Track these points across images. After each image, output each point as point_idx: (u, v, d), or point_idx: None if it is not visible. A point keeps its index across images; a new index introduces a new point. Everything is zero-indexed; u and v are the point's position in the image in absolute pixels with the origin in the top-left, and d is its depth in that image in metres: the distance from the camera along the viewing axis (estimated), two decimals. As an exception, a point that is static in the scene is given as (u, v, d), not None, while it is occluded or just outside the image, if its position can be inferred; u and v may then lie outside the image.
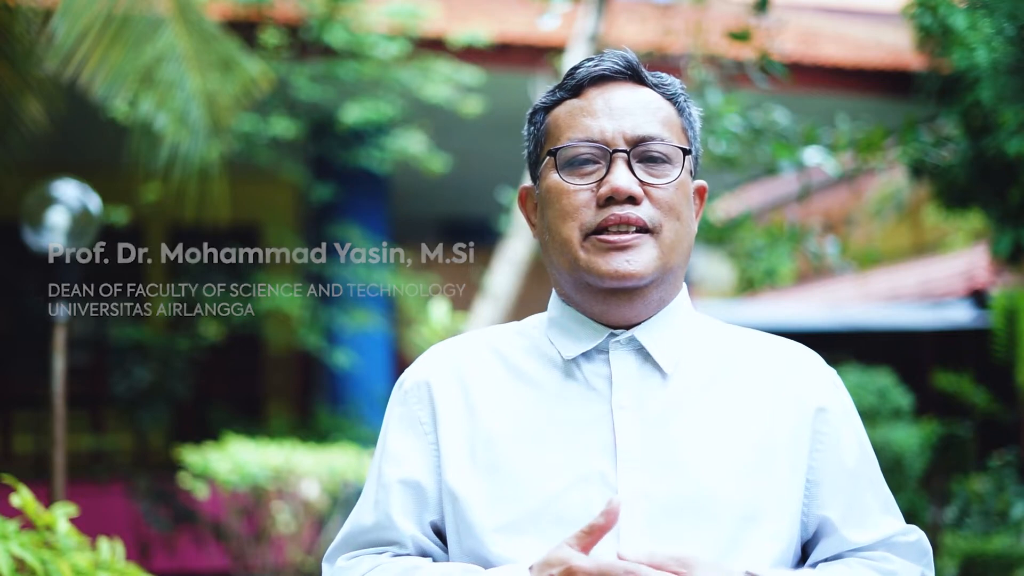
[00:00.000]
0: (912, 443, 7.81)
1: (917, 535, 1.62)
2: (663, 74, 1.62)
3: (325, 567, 1.64)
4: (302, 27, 7.87)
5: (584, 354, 1.58)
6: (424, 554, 1.59)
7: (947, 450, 8.80)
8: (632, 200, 1.53)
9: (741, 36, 5.38)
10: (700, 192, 1.66)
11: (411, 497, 1.58)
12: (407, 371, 1.68)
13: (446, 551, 1.58)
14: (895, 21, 9.01)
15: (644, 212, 1.53)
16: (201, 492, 7.25)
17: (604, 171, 1.54)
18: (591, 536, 1.40)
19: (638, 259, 1.52)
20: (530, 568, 1.44)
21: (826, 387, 1.62)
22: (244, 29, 7.32)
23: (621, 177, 1.52)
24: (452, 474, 1.56)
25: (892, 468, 7.50)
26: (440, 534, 1.59)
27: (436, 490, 1.57)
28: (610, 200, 1.53)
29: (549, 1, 6.10)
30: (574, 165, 1.56)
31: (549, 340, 1.62)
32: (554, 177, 1.57)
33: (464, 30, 8.00)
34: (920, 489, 8.18)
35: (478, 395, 1.59)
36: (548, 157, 1.58)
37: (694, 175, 1.64)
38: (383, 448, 1.64)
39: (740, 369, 1.60)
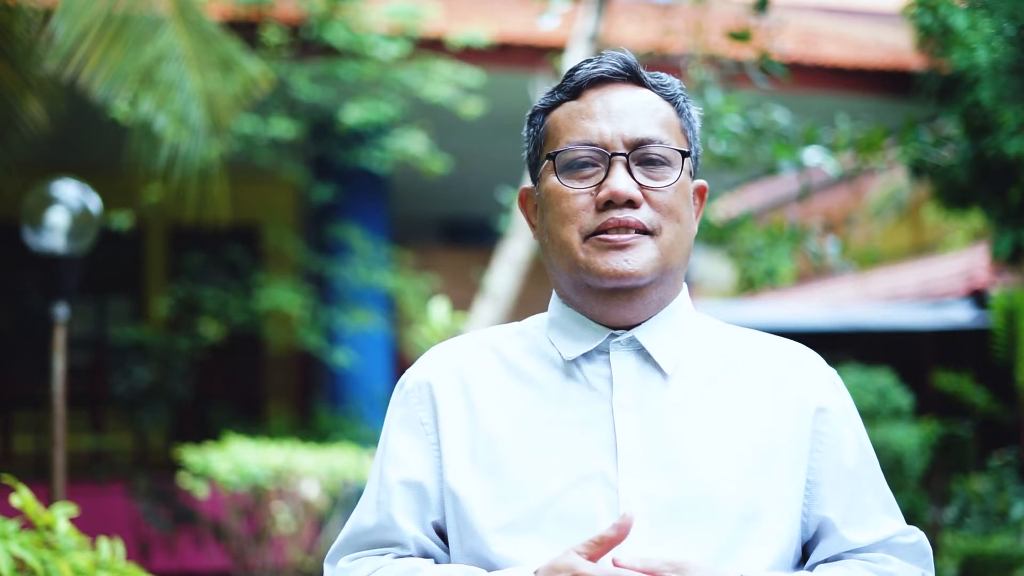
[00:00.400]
0: (912, 443, 7.81)
1: (917, 536, 1.61)
2: (662, 74, 1.62)
3: (327, 568, 1.64)
4: (302, 27, 7.87)
5: (585, 355, 1.58)
6: (426, 555, 1.59)
7: (947, 450, 8.80)
8: (631, 203, 1.53)
9: (741, 36, 5.38)
10: (700, 192, 1.66)
11: (413, 498, 1.58)
12: (408, 372, 1.68)
13: (448, 552, 1.59)
14: (895, 21, 9.01)
15: (643, 215, 1.53)
16: (201, 492, 7.25)
17: (603, 174, 1.54)
18: (600, 547, 1.40)
19: (637, 258, 1.52)
20: (535, 572, 1.44)
21: (826, 387, 1.62)
22: (244, 29, 7.33)
23: (620, 181, 1.52)
24: (453, 474, 1.56)
25: (892, 468, 7.50)
26: (442, 534, 1.59)
27: (438, 491, 1.57)
28: (609, 204, 1.53)
29: (549, 1, 6.10)
30: (573, 168, 1.56)
31: (550, 341, 1.62)
32: (553, 180, 1.57)
33: (464, 30, 8.01)
34: (920, 489, 8.18)
35: (479, 395, 1.59)
36: (547, 160, 1.58)
37: (694, 175, 1.64)
38: (384, 449, 1.64)
39: (740, 369, 1.60)
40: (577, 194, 1.54)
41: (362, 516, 1.62)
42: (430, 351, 1.69)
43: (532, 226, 1.67)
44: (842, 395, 1.63)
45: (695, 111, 1.64)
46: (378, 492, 1.61)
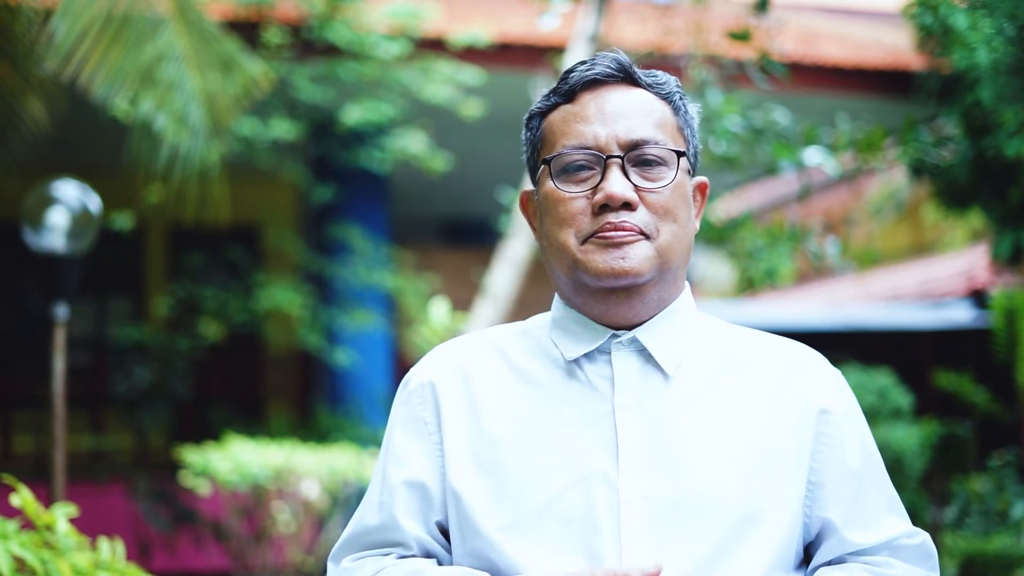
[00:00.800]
0: (912, 443, 7.81)
1: (922, 537, 1.61)
2: (658, 73, 1.62)
3: (330, 566, 1.65)
4: (303, 27, 7.88)
5: (586, 355, 1.58)
6: (429, 555, 1.59)
7: (947, 450, 8.80)
8: (627, 206, 1.53)
9: (741, 36, 5.38)
10: (701, 189, 1.66)
11: (416, 498, 1.58)
12: (411, 371, 1.68)
13: (451, 551, 1.59)
14: (895, 21, 9.02)
15: (639, 218, 1.53)
16: (202, 489, 7.24)
17: (599, 177, 1.54)
18: None
19: (634, 256, 1.52)
20: None
21: (829, 388, 1.62)
22: (244, 29, 7.33)
23: (615, 184, 1.52)
24: (455, 474, 1.56)
25: (892, 468, 7.50)
26: (446, 534, 1.59)
27: (441, 491, 1.58)
28: (605, 207, 1.53)
29: (549, 1, 6.10)
30: (569, 172, 1.56)
31: (552, 341, 1.62)
32: (550, 185, 1.57)
33: (464, 30, 8.01)
34: (920, 489, 8.18)
35: (482, 395, 1.60)
36: (543, 165, 1.59)
37: (693, 172, 1.63)
38: (388, 449, 1.64)
39: (743, 369, 1.60)
40: (573, 198, 1.54)
41: (365, 516, 1.62)
42: (434, 351, 1.69)
43: (534, 228, 1.67)
44: (846, 396, 1.63)
45: (693, 108, 1.64)
46: (381, 492, 1.61)
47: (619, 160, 1.54)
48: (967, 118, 6.52)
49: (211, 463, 7.07)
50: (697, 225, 1.64)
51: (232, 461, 7.03)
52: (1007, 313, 8.52)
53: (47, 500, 3.94)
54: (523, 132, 1.66)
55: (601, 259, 1.52)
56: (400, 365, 9.43)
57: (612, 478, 1.51)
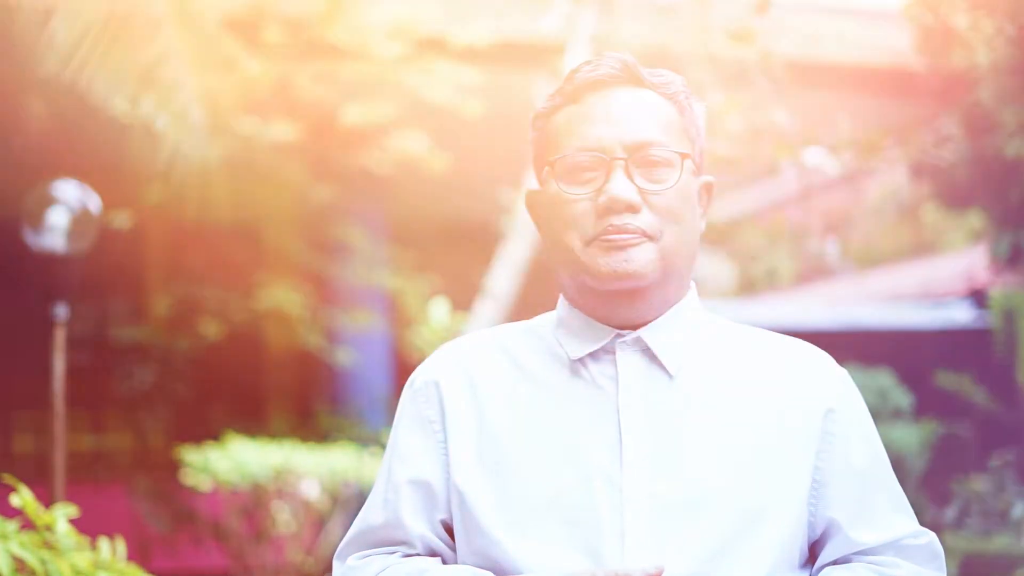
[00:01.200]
0: (912, 443, 7.81)
1: (928, 537, 1.62)
2: (663, 72, 1.61)
3: (336, 564, 1.66)
4: (303, 27, 7.87)
5: (591, 354, 1.58)
6: (433, 553, 1.60)
7: (947, 450, 8.80)
8: (631, 208, 1.52)
9: (742, 36, 5.38)
10: (707, 188, 1.65)
11: (421, 497, 1.59)
12: (417, 370, 1.69)
13: (456, 550, 1.59)
14: (895, 21, 9.01)
15: (643, 221, 1.53)
16: (204, 486, 7.23)
17: (603, 179, 1.54)
18: None
19: (637, 257, 1.52)
20: None
21: (835, 387, 1.62)
22: (244, 29, 7.32)
23: (619, 186, 1.52)
24: (459, 473, 1.57)
25: (892, 468, 7.49)
26: (451, 532, 1.60)
27: (445, 489, 1.58)
28: (609, 209, 1.52)
29: (550, 1, 6.10)
30: (573, 173, 1.56)
31: (557, 340, 1.62)
32: (554, 186, 1.57)
33: (465, 30, 8.00)
34: (920, 489, 8.18)
35: (486, 394, 1.60)
36: (548, 166, 1.59)
37: (699, 172, 1.63)
38: (393, 447, 1.64)
39: (748, 369, 1.60)
40: (577, 200, 1.54)
41: (370, 514, 1.63)
42: (439, 350, 1.70)
43: (539, 228, 1.67)
44: (852, 395, 1.63)
45: (699, 106, 1.64)
46: (385, 490, 1.62)
47: (623, 162, 1.53)
48: (967, 118, 6.52)
49: (211, 463, 7.07)
50: (703, 225, 1.64)
51: (232, 461, 7.02)
52: (1007, 313, 8.51)
53: (47, 500, 3.93)
54: (529, 132, 1.66)
55: (604, 262, 1.52)
56: (400, 365, 9.42)
57: (615, 477, 1.51)
